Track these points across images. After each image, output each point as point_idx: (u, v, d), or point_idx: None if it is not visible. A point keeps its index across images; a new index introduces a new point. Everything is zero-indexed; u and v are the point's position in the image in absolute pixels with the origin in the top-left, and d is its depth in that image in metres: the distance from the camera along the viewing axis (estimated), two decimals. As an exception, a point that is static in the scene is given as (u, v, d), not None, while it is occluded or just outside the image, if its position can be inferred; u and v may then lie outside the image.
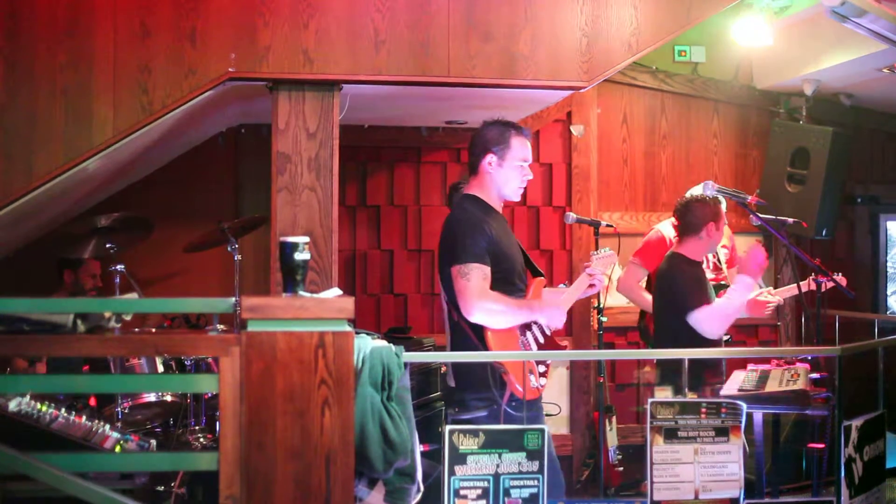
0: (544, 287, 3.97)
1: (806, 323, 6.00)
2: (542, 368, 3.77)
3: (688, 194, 4.98)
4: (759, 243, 4.94)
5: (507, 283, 3.72)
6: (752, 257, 4.46)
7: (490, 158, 3.78)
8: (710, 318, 4.41)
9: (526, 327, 3.78)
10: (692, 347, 4.36)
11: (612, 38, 4.54)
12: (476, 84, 4.47)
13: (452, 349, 3.78)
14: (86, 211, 5.29)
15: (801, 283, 4.69)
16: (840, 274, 5.23)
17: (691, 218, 4.62)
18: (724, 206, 4.83)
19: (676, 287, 4.56)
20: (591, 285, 4.02)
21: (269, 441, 2.42)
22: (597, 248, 4.74)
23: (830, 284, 4.91)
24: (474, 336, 3.64)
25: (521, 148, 3.80)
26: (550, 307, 3.78)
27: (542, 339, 3.81)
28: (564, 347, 4.12)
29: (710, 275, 5.25)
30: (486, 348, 3.62)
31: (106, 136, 4.10)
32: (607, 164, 6.34)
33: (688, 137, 6.53)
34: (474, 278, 3.59)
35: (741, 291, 4.44)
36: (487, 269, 3.63)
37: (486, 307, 3.59)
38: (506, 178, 3.80)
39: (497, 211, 3.85)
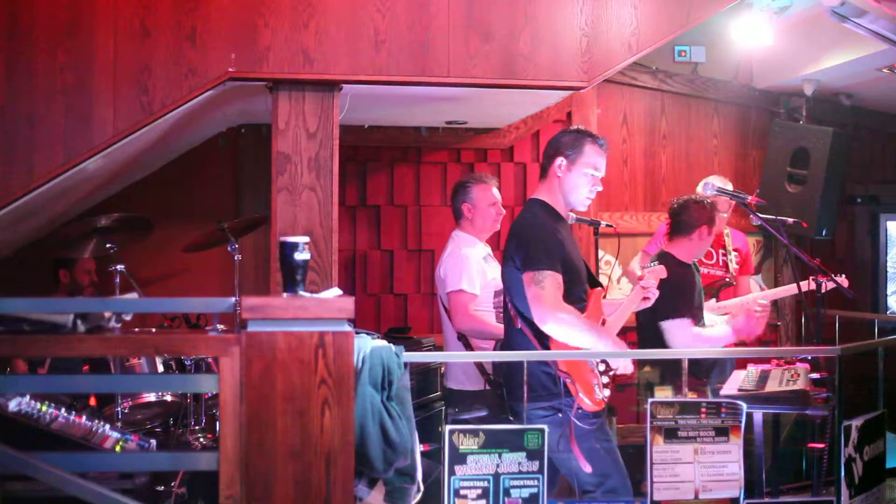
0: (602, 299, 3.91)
1: (806, 323, 6.00)
2: (605, 380, 3.65)
3: (700, 184, 5.02)
4: (759, 309, 4.86)
5: (571, 291, 3.61)
6: (751, 324, 4.41)
7: (560, 161, 3.70)
8: (681, 335, 4.40)
9: None
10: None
11: (612, 38, 4.54)
12: (476, 84, 4.47)
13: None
14: (86, 211, 5.29)
15: (800, 283, 4.69)
16: (843, 276, 5.23)
17: (686, 218, 4.61)
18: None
19: (661, 289, 4.56)
20: (646, 298, 3.94)
21: (269, 441, 2.42)
22: (596, 249, 4.76)
23: (831, 285, 4.92)
24: (539, 345, 3.55)
25: (593, 155, 3.72)
26: (613, 343, 3.62)
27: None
28: None
29: (717, 272, 5.27)
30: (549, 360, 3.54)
31: (106, 136, 4.10)
32: (607, 164, 6.31)
33: (688, 137, 6.53)
34: (549, 286, 3.49)
35: (721, 337, 4.43)
36: (560, 278, 3.53)
37: (560, 318, 3.48)
38: (574, 184, 3.71)
39: (564, 219, 3.77)
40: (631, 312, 4.03)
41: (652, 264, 4.15)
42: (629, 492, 3.62)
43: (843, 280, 5.12)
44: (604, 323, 3.80)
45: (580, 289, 3.71)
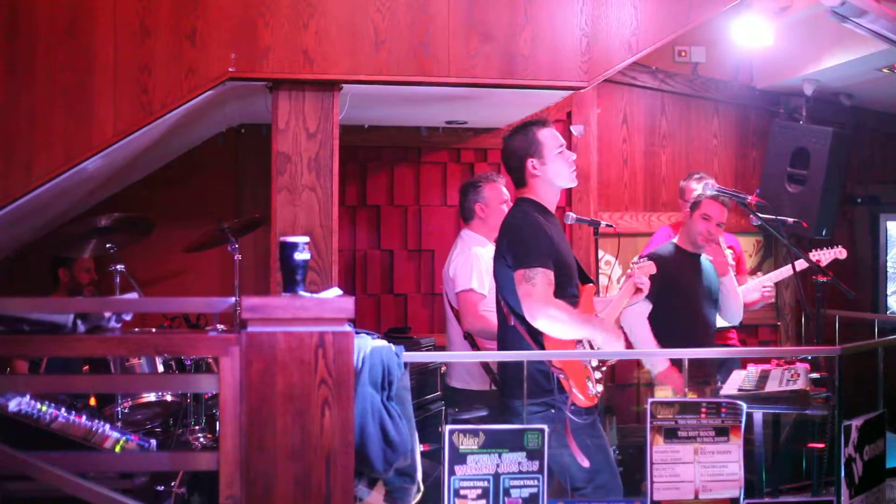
0: (594, 295, 3.93)
1: (806, 323, 6.00)
2: (597, 375, 3.67)
3: (692, 177, 5.10)
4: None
5: (562, 288, 3.63)
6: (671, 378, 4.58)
7: (531, 163, 3.71)
8: (634, 327, 4.55)
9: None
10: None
11: (612, 38, 4.54)
12: (476, 84, 4.47)
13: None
14: (86, 211, 5.29)
15: (795, 262, 4.71)
16: (839, 246, 5.25)
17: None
18: (724, 206, 4.83)
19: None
20: (638, 290, 3.95)
21: (269, 441, 2.42)
22: (596, 249, 4.77)
23: (830, 259, 4.97)
24: (533, 342, 3.56)
25: (551, 138, 3.75)
26: (609, 332, 3.65)
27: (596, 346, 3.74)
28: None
29: None
30: None
31: (106, 136, 4.10)
32: (607, 164, 6.34)
33: (688, 137, 6.53)
34: (540, 283, 3.50)
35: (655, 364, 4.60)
36: (552, 274, 3.55)
37: (551, 314, 3.49)
38: (555, 171, 3.73)
39: (553, 214, 3.79)
40: (623, 306, 4.06)
41: (643, 260, 4.18)
42: (619, 489, 3.63)
43: (840, 251, 5.15)
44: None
45: (572, 285, 3.72)
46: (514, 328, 3.62)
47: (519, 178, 3.78)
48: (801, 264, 4.83)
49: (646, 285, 3.96)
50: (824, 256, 5.20)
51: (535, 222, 3.63)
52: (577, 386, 3.52)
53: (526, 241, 3.58)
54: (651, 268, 4.10)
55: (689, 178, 5.34)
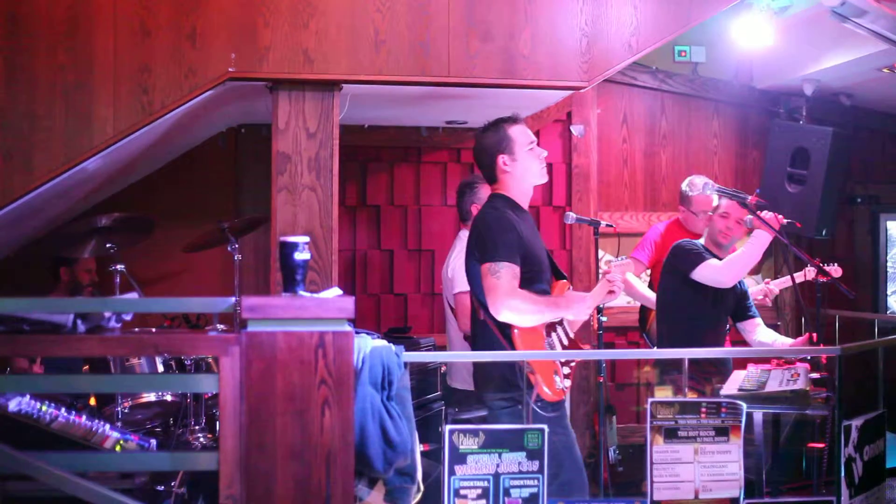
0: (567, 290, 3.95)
1: (806, 323, 6.00)
2: (566, 370, 3.72)
3: (686, 182, 5.06)
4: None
5: (534, 283, 3.68)
6: (771, 218, 4.51)
7: (502, 159, 3.74)
8: (718, 269, 4.46)
9: (551, 328, 3.75)
10: (694, 318, 4.46)
11: (612, 38, 4.54)
12: (476, 84, 4.47)
13: (477, 349, 3.75)
14: (86, 211, 5.29)
15: (795, 274, 4.71)
16: (836, 265, 5.24)
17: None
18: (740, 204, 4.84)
19: (677, 254, 4.62)
20: (611, 291, 3.98)
21: (269, 441, 2.42)
22: (596, 249, 4.76)
23: (831, 276, 4.94)
24: (501, 335, 3.60)
25: (522, 134, 3.78)
26: (576, 301, 3.74)
27: (566, 342, 3.78)
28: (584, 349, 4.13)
29: None
30: (512, 348, 3.59)
31: (106, 136, 4.10)
32: (607, 164, 6.35)
33: (688, 137, 6.53)
34: (504, 277, 3.55)
35: (756, 245, 4.47)
36: (517, 269, 3.59)
37: (514, 305, 3.54)
38: (525, 168, 3.76)
39: (525, 210, 3.82)
40: (595, 306, 4.06)
41: (621, 258, 4.17)
42: (584, 487, 3.67)
43: (835, 270, 5.13)
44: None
45: (543, 280, 3.77)
46: (483, 322, 3.67)
47: (490, 175, 3.82)
48: (800, 277, 4.82)
49: (619, 288, 3.96)
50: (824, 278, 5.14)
51: (503, 218, 3.67)
52: (544, 380, 3.56)
53: (493, 237, 3.62)
54: (629, 266, 4.11)
55: (704, 187, 5.08)
